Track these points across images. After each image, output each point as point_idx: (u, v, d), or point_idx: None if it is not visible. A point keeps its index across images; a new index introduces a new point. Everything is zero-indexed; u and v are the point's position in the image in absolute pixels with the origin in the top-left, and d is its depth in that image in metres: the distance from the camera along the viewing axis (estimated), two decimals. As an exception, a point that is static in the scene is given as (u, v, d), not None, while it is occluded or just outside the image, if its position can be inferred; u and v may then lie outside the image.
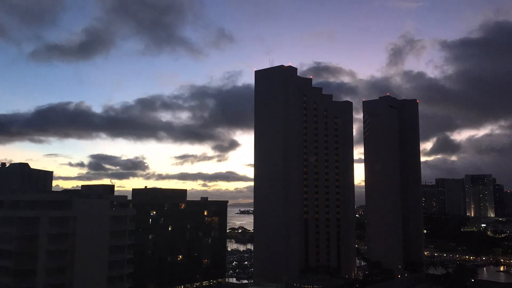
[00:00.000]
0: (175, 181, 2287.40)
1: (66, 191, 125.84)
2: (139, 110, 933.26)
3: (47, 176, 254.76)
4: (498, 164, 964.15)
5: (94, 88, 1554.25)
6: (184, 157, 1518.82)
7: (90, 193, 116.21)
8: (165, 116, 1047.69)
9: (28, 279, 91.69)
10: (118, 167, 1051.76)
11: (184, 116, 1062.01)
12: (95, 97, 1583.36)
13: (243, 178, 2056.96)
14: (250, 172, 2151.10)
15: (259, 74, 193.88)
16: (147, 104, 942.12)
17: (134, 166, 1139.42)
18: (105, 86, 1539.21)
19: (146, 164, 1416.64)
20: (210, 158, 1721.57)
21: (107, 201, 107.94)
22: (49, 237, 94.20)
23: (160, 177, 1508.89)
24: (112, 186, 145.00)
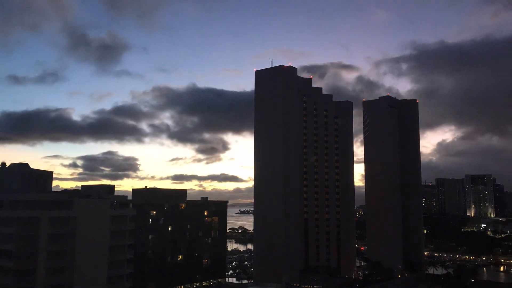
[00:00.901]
0: (169, 181, 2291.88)
1: (66, 191, 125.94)
2: (124, 115, 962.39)
3: (47, 176, 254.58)
4: (483, 164, 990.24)
5: (70, 100, 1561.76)
6: (176, 160, 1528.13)
7: (90, 193, 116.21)
8: (152, 120, 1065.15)
9: (28, 279, 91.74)
10: (110, 169, 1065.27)
11: (172, 120, 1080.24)
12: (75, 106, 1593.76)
13: (236, 179, 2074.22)
14: (243, 173, 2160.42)
15: (259, 74, 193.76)
16: (131, 110, 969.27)
17: (127, 168, 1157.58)
18: (83, 98, 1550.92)
19: (139, 166, 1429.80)
20: (201, 160, 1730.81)
21: (107, 201, 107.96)
22: (49, 237, 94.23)
23: (154, 178, 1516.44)
24: (112, 186, 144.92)
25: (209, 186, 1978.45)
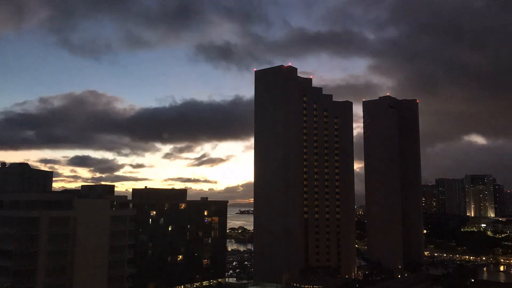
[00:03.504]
0: (161, 183, 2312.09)
1: (66, 191, 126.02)
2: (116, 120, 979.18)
3: (47, 176, 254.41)
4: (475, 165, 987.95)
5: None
6: (165, 162, 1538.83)
7: (90, 193, 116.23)
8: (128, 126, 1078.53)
9: (28, 279, 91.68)
10: (98, 171, 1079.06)
11: (160, 122, 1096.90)
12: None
13: (211, 181, 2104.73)
14: (229, 175, 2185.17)
15: (258, 74, 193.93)
16: (122, 113, 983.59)
17: (113, 169, 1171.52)
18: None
19: (128, 167, 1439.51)
20: (189, 162, 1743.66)
21: (107, 201, 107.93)
22: (49, 237, 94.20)
23: (148, 180, 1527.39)
24: (112, 187, 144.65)
25: (196, 188, 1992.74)
